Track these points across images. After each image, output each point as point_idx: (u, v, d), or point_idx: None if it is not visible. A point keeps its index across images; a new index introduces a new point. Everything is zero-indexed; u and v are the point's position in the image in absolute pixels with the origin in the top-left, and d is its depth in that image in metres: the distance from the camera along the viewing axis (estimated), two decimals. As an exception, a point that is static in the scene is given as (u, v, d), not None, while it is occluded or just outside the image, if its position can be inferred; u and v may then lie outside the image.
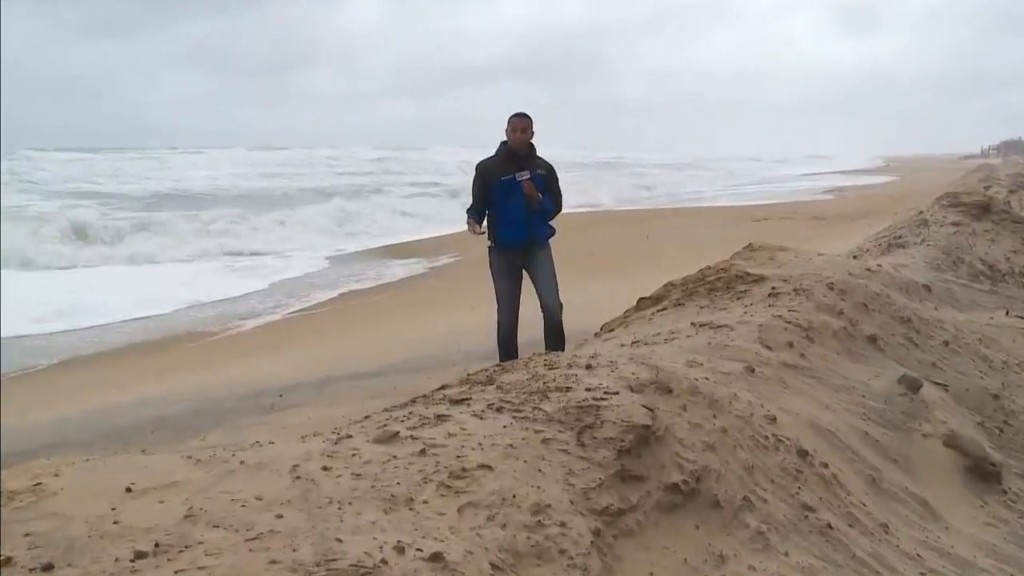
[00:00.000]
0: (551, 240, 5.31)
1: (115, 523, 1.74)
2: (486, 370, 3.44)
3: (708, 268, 5.70)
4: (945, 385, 4.62)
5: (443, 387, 3.30)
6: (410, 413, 2.72)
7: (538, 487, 2.29)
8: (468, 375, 3.41)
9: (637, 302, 5.79)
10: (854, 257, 7.34)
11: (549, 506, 2.22)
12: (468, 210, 5.22)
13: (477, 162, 5.30)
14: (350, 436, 2.43)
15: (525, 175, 5.00)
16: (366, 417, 2.86)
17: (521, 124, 5.13)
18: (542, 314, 5.19)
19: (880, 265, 6.23)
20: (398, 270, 15.15)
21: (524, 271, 5.23)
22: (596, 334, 5.59)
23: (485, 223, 5.19)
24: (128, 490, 1.88)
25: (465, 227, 5.23)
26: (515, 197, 5.00)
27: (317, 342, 9.39)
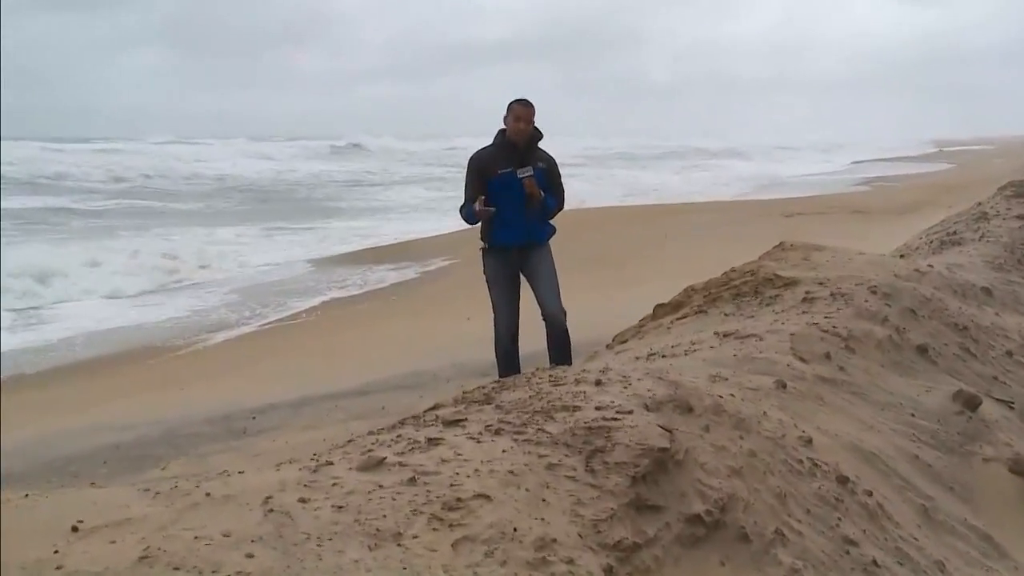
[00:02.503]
0: (551, 240, 5.31)
1: (58, 568, 1.73)
2: (484, 387, 3.45)
3: (733, 270, 5.71)
4: (1009, 402, 4.61)
5: (436, 407, 3.32)
6: (398, 436, 2.73)
7: (542, 519, 2.29)
8: (464, 393, 3.42)
9: (654, 309, 5.81)
10: (901, 256, 7.34)
11: (555, 540, 2.23)
12: (462, 208, 5.20)
13: (471, 154, 5.26)
14: (330, 463, 2.44)
15: (528, 172, 4.99)
16: (349, 441, 2.87)
17: (526, 114, 5.09)
18: (544, 323, 5.19)
19: (931, 265, 6.23)
20: (386, 275, 15.17)
21: (522, 274, 5.23)
22: (608, 346, 5.60)
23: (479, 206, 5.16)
24: (74, 529, 1.87)
25: (467, 226, 5.23)
26: (513, 193, 4.99)
27: (295, 357, 9.41)
